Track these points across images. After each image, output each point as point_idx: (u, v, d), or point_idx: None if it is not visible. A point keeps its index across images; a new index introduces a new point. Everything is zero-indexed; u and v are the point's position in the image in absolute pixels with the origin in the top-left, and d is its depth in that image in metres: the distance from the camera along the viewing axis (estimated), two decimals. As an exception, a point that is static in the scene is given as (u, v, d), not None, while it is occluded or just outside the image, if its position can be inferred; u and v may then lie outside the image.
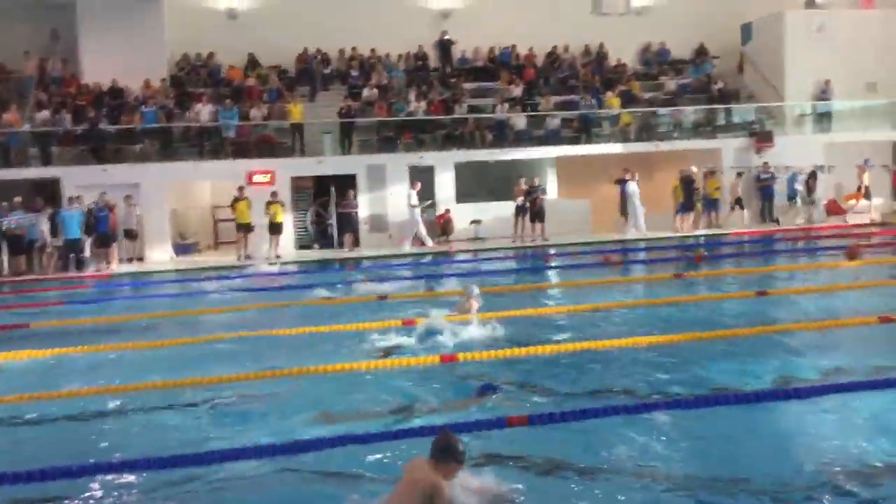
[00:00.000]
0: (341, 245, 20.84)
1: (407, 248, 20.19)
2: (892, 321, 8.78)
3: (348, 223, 20.79)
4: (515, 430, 5.83)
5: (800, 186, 22.16)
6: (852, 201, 22.77)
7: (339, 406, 6.89)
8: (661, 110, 24.61)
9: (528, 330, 9.63)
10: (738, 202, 21.98)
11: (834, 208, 23.22)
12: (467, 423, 5.92)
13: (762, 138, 23.25)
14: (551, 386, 7.33)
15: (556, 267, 16.44)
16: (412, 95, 23.56)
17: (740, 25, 26.63)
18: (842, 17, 25.83)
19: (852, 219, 22.14)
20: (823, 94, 24.81)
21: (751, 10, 26.22)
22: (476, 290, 10.17)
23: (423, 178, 21.52)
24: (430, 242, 20.48)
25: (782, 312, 10.27)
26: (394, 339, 9.00)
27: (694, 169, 21.83)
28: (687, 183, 21.68)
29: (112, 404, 7.22)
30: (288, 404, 6.95)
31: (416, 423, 6.23)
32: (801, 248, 18.81)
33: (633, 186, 21.40)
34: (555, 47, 26.76)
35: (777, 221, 22.21)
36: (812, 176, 22.08)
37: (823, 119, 24.73)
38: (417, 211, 20.59)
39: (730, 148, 23.48)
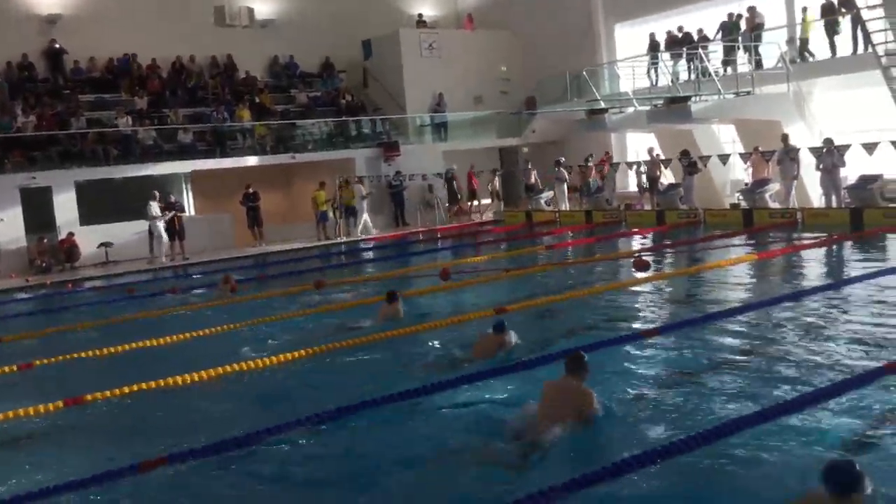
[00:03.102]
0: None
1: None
2: (506, 311, 9.88)
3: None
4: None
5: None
6: (476, 202, 25.27)
7: None
8: (307, 122, 25.01)
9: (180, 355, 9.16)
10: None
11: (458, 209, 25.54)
12: (98, 474, 5.45)
13: (389, 148, 24.81)
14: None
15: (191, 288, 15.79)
16: (19, 109, 21.10)
17: (361, 42, 28.08)
18: (448, 36, 28.53)
19: (475, 218, 24.64)
20: (438, 106, 27.18)
21: (369, 27, 27.74)
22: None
23: (39, 200, 19.43)
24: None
25: (417, 311, 10.96)
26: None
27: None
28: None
29: None
30: None
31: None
32: (432, 249, 20.31)
33: (360, 189, 22.70)
34: (179, 58, 25.77)
35: (408, 224, 23.84)
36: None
37: (441, 129, 27.10)
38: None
39: (362, 157, 24.67)
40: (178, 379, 7.80)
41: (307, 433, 6.19)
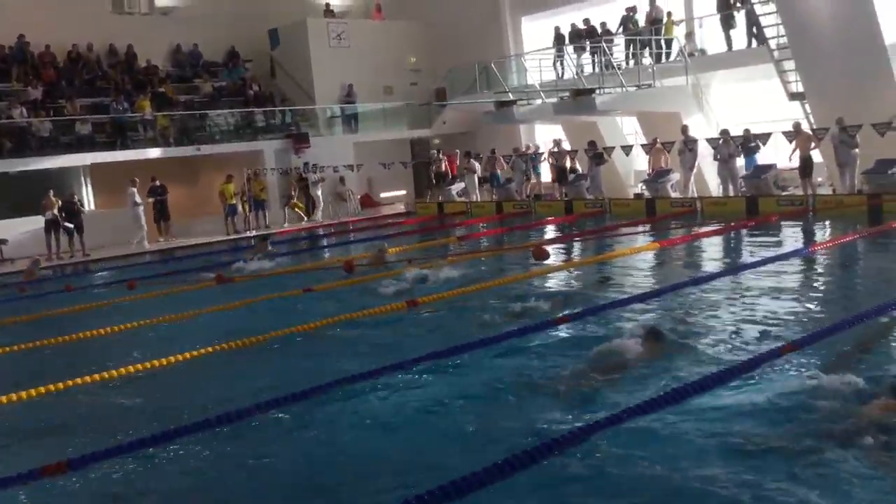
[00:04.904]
0: None
1: None
2: (417, 305, 9.92)
3: None
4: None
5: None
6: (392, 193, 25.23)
7: None
8: (212, 113, 24.34)
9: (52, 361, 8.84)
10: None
11: (367, 201, 25.46)
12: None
13: (299, 139, 24.47)
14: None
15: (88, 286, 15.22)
16: None
17: (267, 31, 27.51)
18: (357, 26, 28.28)
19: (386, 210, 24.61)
20: (348, 97, 26.93)
21: (276, 15, 27.18)
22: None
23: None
24: None
25: (328, 306, 10.87)
26: None
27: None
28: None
29: None
30: None
31: None
32: (342, 241, 20.13)
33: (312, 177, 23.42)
34: (75, 46, 24.68)
35: (318, 217, 23.63)
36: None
37: (351, 120, 26.88)
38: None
39: (271, 149, 24.26)
40: (88, 378, 7.53)
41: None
